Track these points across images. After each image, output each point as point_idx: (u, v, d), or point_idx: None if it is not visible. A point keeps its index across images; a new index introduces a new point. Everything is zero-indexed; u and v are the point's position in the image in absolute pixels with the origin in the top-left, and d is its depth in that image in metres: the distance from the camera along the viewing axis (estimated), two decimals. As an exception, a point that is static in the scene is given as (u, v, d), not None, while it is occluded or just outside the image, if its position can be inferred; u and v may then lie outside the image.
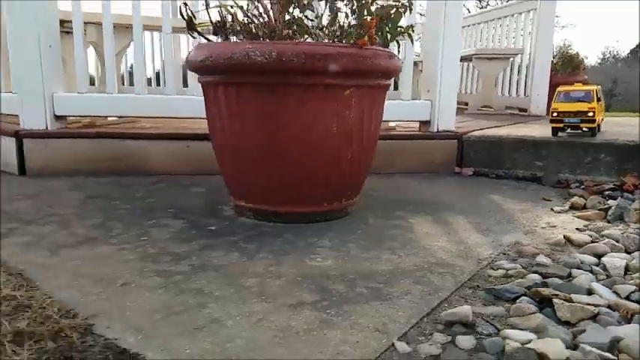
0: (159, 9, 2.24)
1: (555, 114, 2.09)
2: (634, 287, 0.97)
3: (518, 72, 4.19)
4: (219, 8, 1.41)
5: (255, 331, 0.85)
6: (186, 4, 1.39)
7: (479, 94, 4.48)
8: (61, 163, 2.16)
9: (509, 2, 4.43)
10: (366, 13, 1.37)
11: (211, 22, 1.45)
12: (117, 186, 1.96)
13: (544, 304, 0.92)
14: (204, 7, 1.43)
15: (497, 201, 1.82)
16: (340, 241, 1.32)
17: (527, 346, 0.76)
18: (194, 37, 1.46)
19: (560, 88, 2.14)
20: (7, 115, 2.36)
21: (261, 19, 1.39)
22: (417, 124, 2.42)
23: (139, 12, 2.21)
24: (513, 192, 1.97)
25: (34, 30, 2.07)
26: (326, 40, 1.40)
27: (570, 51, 4.90)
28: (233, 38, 1.44)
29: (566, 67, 4.77)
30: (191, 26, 1.42)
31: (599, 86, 2.16)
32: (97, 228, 1.41)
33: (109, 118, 2.49)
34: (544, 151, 2.13)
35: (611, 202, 1.68)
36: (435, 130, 2.34)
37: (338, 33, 1.39)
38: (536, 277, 1.06)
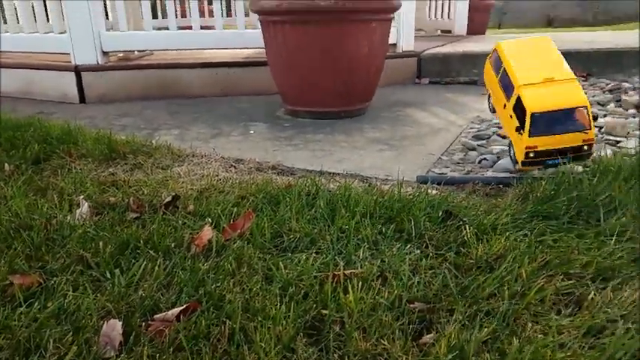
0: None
1: (532, 154, 1.32)
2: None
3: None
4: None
5: (370, 159, 1.64)
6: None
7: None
8: (115, 92, 2.64)
9: None
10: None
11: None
12: (180, 105, 2.53)
13: (505, 137, 1.80)
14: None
15: (452, 97, 2.70)
16: (375, 124, 2.11)
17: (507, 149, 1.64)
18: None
19: (532, 108, 1.29)
20: (52, 54, 2.71)
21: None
22: (387, 47, 3.17)
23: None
24: (460, 91, 2.86)
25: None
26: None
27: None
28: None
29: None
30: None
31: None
32: (211, 128, 2.05)
33: (136, 52, 2.92)
34: (477, 62, 3.02)
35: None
36: (400, 50, 3.13)
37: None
38: (495, 128, 1.94)
